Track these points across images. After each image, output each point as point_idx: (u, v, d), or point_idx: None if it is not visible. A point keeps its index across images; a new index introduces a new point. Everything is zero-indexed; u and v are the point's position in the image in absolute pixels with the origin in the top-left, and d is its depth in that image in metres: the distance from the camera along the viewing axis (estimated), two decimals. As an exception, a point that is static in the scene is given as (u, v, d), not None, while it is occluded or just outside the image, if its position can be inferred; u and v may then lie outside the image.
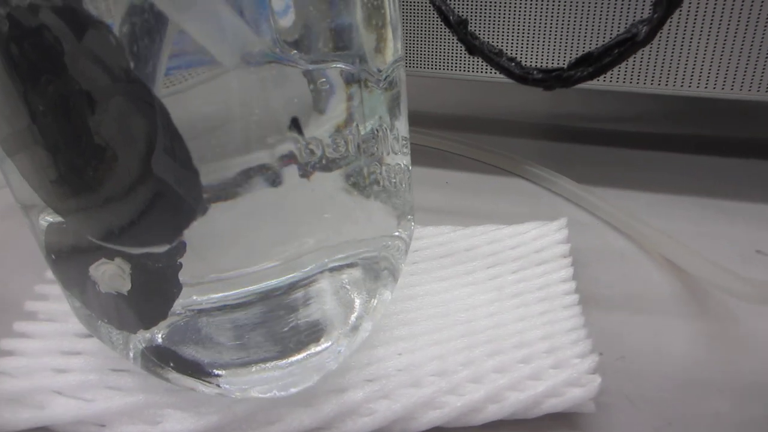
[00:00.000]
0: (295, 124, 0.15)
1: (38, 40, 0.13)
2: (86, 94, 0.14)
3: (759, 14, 0.27)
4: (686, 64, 0.29)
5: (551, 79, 0.19)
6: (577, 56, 0.19)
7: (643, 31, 0.18)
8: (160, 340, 0.19)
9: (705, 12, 0.27)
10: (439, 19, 0.30)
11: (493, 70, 0.31)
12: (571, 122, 0.42)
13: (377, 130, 0.19)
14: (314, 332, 0.19)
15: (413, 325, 0.22)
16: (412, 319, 0.22)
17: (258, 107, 0.15)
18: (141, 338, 0.19)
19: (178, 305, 0.18)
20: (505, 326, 0.22)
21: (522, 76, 0.20)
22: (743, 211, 0.30)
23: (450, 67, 0.32)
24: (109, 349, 0.20)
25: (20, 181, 0.18)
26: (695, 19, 0.28)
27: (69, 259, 0.19)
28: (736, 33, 0.27)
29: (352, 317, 0.20)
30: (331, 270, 0.19)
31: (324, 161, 0.17)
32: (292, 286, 0.18)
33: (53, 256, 0.19)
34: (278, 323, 0.19)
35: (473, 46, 0.20)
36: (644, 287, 0.25)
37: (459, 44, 0.30)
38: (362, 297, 0.20)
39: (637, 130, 0.40)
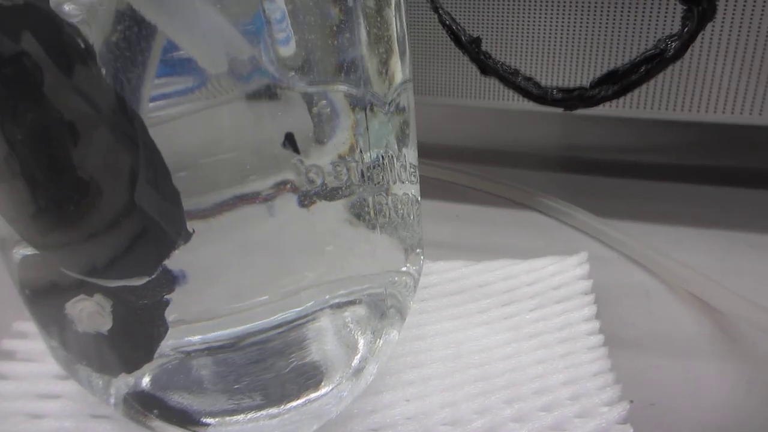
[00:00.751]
0: (290, 141, 0.14)
1: (18, 68, 0.12)
2: (66, 125, 0.13)
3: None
4: (709, 90, 0.27)
5: (572, 98, 0.18)
6: (601, 74, 0.18)
7: (673, 46, 0.17)
8: (144, 385, 0.18)
9: (729, 34, 0.26)
10: (447, 41, 0.29)
11: (506, 96, 0.30)
12: (585, 153, 0.41)
13: (383, 158, 0.18)
14: (314, 375, 0.18)
15: (423, 368, 0.21)
16: (422, 361, 0.21)
17: (254, 134, 0.15)
18: (123, 383, 0.18)
19: (165, 346, 0.17)
20: (524, 370, 0.20)
21: (540, 96, 0.18)
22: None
23: (460, 94, 0.31)
24: (89, 394, 0.19)
25: None
26: (719, 41, 0.26)
27: (45, 296, 0.18)
28: (752, 56, 0.26)
29: (356, 359, 0.19)
30: (333, 307, 0.18)
31: (325, 190, 0.16)
32: (290, 325, 0.17)
33: (28, 292, 0.18)
34: (274, 365, 0.18)
35: (487, 66, 0.19)
36: (672, 326, 0.24)
37: (469, 68, 0.30)
38: (367, 337, 0.19)
39: (655, 161, 0.39)
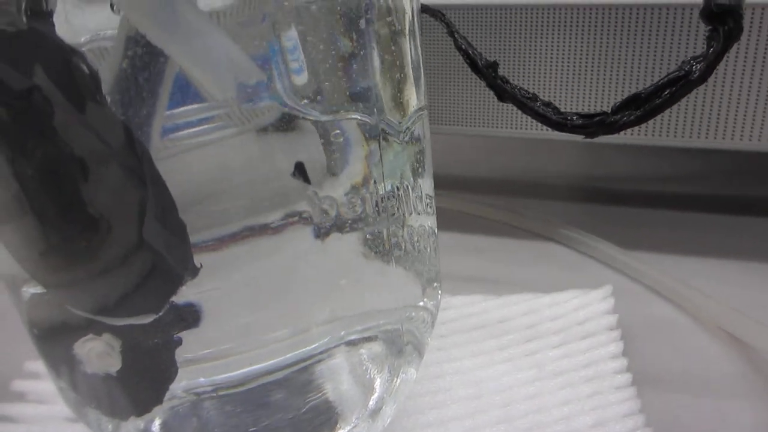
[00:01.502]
0: (300, 171, 0.14)
1: (25, 101, 0.12)
2: (76, 161, 0.13)
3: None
4: (735, 115, 0.27)
5: (593, 125, 0.17)
6: (623, 98, 0.17)
7: (698, 68, 0.16)
8: (154, 429, 0.17)
9: (755, 55, 0.25)
10: (462, 68, 0.29)
11: (524, 124, 0.29)
12: (606, 183, 0.41)
13: (398, 189, 0.18)
14: (329, 417, 0.18)
15: (442, 408, 0.20)
16: (441, 401, 0.20)
17: (265, 165, 0.15)
18: (133, 426, 0.17)
19: (176, 388, 0.16)
20: (548, 411, 0.19)
21: (560, 122, 0.18)
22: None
23: (476, 123, 0.31)
24: (98, 438, 0.19)
25: (3, 253, 0.17)
26: (744, 63, 0.26)
27: (53, 335, 0.17)
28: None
29: (372, 399, 0.18)
30: (348, 344, 0.18)
31: (339, 222, 0.16)
32: (304, 363, 0.17)
33: (36, 332, 0.18)
34: (288, 406, 0.17)
35: (504, 92, 0.19)
36: (703, 364, 0.23)
37: (486, 95, 0.29)
38: (383, 375, 0.19)
39: (679, 190, 0.39)
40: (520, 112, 0.19)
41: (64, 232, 0.14)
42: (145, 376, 0.16)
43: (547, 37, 0.28)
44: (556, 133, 0.28)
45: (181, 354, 0.16)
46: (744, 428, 0.20)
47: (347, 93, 0.15)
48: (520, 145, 0.44)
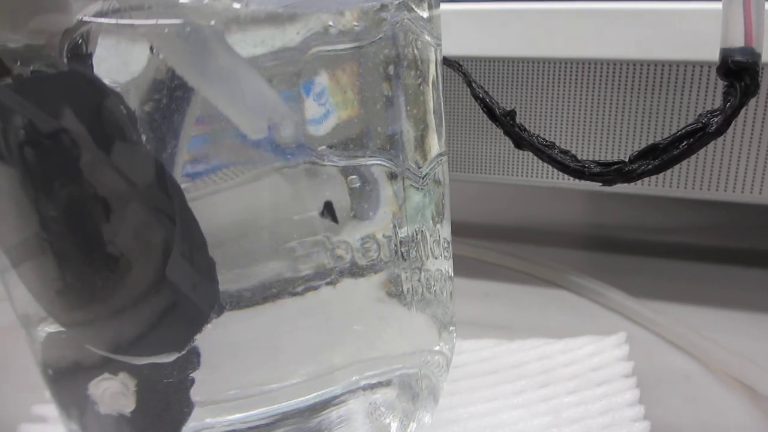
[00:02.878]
0: (329, 210, 0.14)
1: (56, 143, 0.12)
2: (102, 201, 0.13)
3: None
4: (744, 169, 0.27)
5: (611, 173, 0.18)
6: (641, 148, 0.17)
7: (715, 121, 0.17)
8: None
9: (765, 112, 0.26)
10: (476, 118, 0.29)
11: (537, 172, 0.30)
12: (616, 232, 0.41)
13: (417, 233, 0.18)
14: None
15: None
16: None
17: (287, 209, 0.15)
18: None
19: (189, 429, 0.16)
20: (566, 458, 0.19)
21: (577, 170, 0.18)
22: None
23: (489, 170, 0.31)
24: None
25: (22, 292, 0.17)
26: (754, 119, 0.26)
27: (68, 375, 0.17)
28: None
29: None
30: (363, 389, 0.17)
31: (354, 267, 0.16)
32: (318, 407, 0.17)
33: (51, 372, 0.18)
34: None
35: (522, 139, 0.19)
36: (717, 414, 0.23)
37: (499, 144, 0.30)
38: (398, 421, 0.18)
39: (685, 240, 0.38)
40: (532, 160, 0.20)
41: (82, 271, 0.14)
42: (159, 417, 0.16)
43: (562, 90, 0.28)
44: (568, 181, 0.29)
45: (194, 394, 0.16)
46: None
47: (373, 139, 0.15)
48: (528, 193, 0.44)
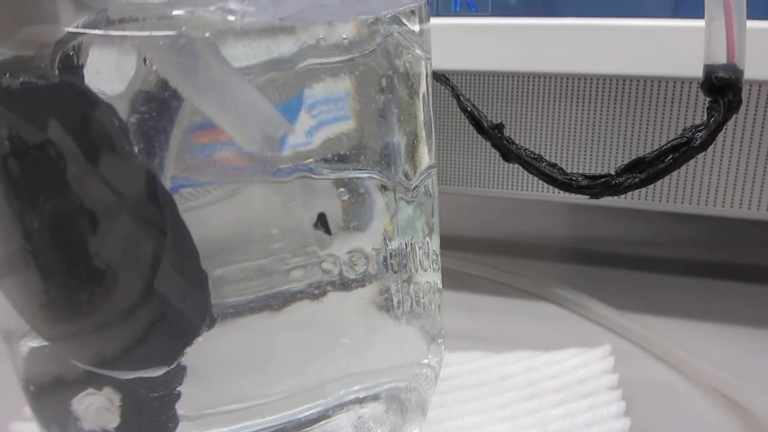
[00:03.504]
0: (322, 222, 0.14)
1: (45, 156, 0.12)
2: (93, 213, 0.13)
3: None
4: (724, 183, 0.27)
5: (599, 186, 0.18)
6: (627, 162, 0.18)
7: (699, 136, 0.17)
8: None
9: (743, 127, 0.26)
10: (460, 131, 0.29)
11: (522, 186, 0.30)
12: (599, 245, 0.41)
13: (407, 245, 0.18)
14: None
15: None
16: None
17: (274, 223, 0.15)
18: None
19: None
20: (554, 471, 0.19)
21: (565, 182, 0.18)
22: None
23: (474, 183, 0.31)
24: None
25: (3, 306, 0.17)
26: (734, 134, 0.27)
27: (50, 391, 0.17)
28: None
29: None
30: (352, 402, 0.17)
31: (343, 280, 0.16)
32: (306, 422, 0.17)
33: (32, 388, 0.17)
34: None
35: (509, 152, 0.19)
36: (701, 425, 0.23)
37: (484, 157, 0.30)
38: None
39: (664, 254, 0.39)
40: (517, 173, 0.20)
41: (67, 285, 0.14)
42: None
43: (548, 105, 0.29)
44: (553, 194, 0.29)
45: (180, 408, 0.15)
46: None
47: (365, 151, 0.15)
48: (512, 207, 0.44)
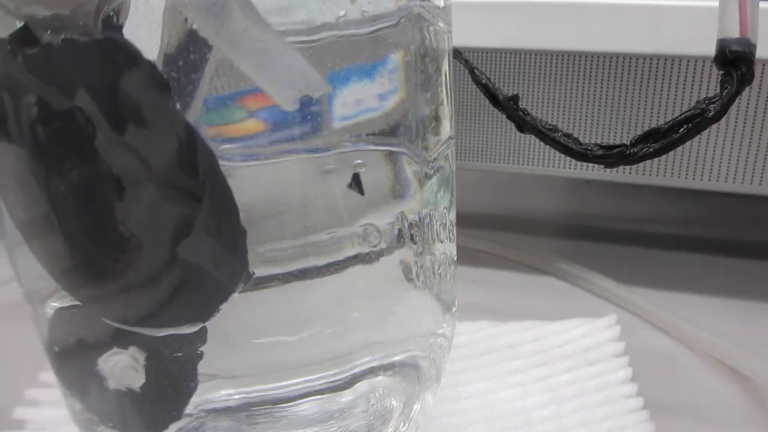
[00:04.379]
0: (356, 182, 0.14)
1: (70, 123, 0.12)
2: (135, 171, 0.13)
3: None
4: (728, 160, 0.28)
5: (613, 155, 0.18)
6: (642, 132, 0.18)
7: (713, 108, 0.18)
8: None
9: (747, 105, 0.27)
10: (467, 106, 0.30)
11: (528, 160, 0.30)
12: (599, 222, 0.42)
13: (424, 217, 0.18)
14: None
15: (459, 431, 0.20)
16: (458, 424, 0.20)
17: (312, 191, 0.15)
18: None
19: (191, 404, 0.16)
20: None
21: (580, 152, 0.19)
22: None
23: (478, 158, 0.31)
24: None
25: (29, 266, 0.17)
26: (737, 114, 0.27)
27: (75, 352, 0.17)
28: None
29: (392, 424, 0.18)
30: (369, 371, 0.17)
31: (372, 250, 0.16)
32: (322, 390, 0.17)
33: (57, 349, 0.17)
34: (309, 424, 0.17)
35: (525, 123, 0.19)
36: (701, 391, 0.24)
37: (489, 131, 0.30)
38: (402, 402, 0.18)
39: (668, 230, 0.40)
40: (522, 148, 0.20)
41: (92, 251, 0.14)
42: (166, 391, 0.16)
43: (558, 82, 0.29)
44: (557, 169, 0.29)
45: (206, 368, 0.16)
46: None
47: (397, 123, 0.16)
48: (513, 183, 0.45)
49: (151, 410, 0.16)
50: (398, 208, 0.16)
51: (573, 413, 0.20)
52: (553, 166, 0.30)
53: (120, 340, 0.16)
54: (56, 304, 0.17)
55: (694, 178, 0.29)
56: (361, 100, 0.14)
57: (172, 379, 0.16)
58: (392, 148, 0.16)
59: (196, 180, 0.13)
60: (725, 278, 0.32)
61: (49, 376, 0.23)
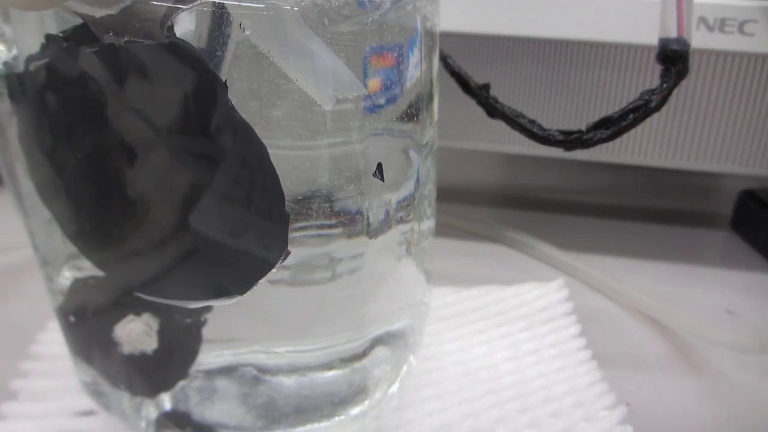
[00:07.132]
0: (379, 171, 0.16)
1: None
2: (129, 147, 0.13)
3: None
4: (649, 137, 0.31)
5: (572, 140, 0.21)
6: (596, 120, 0.20)
7: (654, 98, 0.20)
8: (175, 405, 0.18)
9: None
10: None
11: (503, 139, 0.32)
12: (530, 192, 0.44)
13: (415, 196, 0.19)
14: (338, 404, 0.18)
15: (438, 384, 0.22)
16: (436, 379, 0.22)
17: (337, 173, 0.15)
18: (154, 405, 0.18)
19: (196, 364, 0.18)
20: (529, 382, 0.22)
21: (544, 137, 0.21)
22: (713, 277, 0.32)
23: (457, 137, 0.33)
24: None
25: (45, 236, 0.17)
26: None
27: (89, 320, 0.18)
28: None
29: (385, 384, 0.19)
30: (377, 340, 0.18)
31: (383, 226, 0.17)
32: (339, 359, 0.18)
33: (72, 318, 0.18)
34: (306, 392, 0.18)
35: (494, 109, 0.21)
36: (634, 343, 0.26)
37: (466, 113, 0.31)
38: (392, 366, 0.20)
39: (596, 200, 0.42)
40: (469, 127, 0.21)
41: (102, 218, 0.14)
42: (174, 354, 0.17)
43: (517, 67, 0.30)
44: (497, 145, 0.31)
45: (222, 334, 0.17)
46: (671, 393, 0.23)
47: (405, 107, 0.17)
48: (446, 157, 0.46)
49: (160, 371, 0.17)
50: (404, 187, 0.18)
51: (534, 366, 0.23)
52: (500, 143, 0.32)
53: (135, 307, 0.17)
54: (72, 274, 0.17)
55: (625, 154, 0.32)
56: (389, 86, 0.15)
57: (180, 343, 0.17)
58: (405, 127, 0.17)
59: (250, 156, 0.13)
60: (651, 242, 0.35)
61: (39, 348, 0.24)
